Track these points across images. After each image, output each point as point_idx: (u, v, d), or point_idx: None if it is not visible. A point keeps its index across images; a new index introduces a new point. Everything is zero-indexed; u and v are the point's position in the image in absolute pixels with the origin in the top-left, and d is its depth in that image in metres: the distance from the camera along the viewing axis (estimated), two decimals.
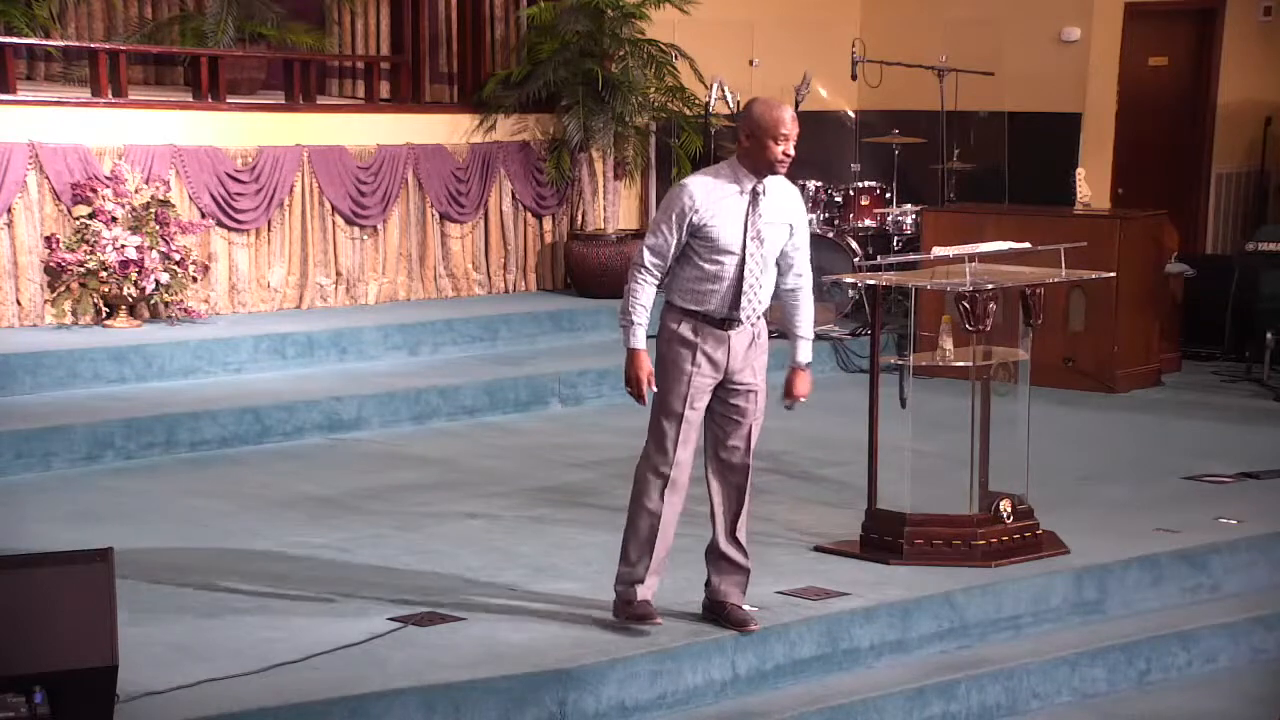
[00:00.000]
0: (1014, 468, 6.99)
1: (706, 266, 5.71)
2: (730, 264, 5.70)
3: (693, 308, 5.74)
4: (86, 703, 4.82)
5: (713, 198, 5.69)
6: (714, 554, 5.98)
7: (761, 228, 5.73)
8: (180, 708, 5.08)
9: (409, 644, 5.74)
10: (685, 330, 5.74)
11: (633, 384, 5.74)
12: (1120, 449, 9.20)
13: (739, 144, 5.78)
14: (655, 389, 5.74)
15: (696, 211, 5.67)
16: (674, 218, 5.69)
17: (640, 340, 5.73)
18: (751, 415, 5.87)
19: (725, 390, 5.81)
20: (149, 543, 7.01)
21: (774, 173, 5.74)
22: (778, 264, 5.89)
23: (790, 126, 5.69)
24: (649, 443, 5.83)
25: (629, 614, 5.84)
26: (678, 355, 5.74)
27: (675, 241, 5.71)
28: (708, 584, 6.01)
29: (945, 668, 6.26)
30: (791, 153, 5.73)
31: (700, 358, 5.73)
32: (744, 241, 5.70)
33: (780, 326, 6.05)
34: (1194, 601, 7.06)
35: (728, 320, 5.74)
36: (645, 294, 5.73)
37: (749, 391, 5.84)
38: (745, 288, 5.71)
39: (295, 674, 5.41)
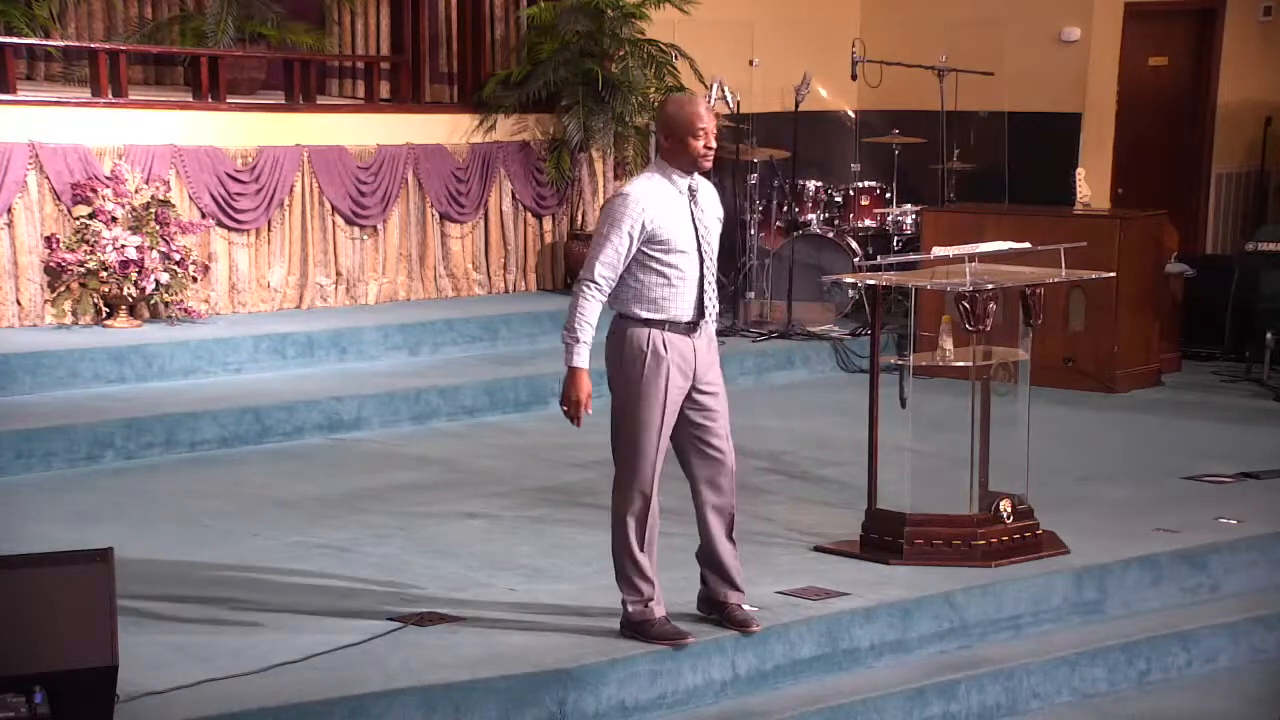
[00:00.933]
0: (1014, 468, 6.99)
1: (667, 271, 5.66)
2: (689, 264, 5.68)
3: (657, 316, 5.68)
4: (86, 703, 4.82)
5: (657, 201, 5.66)
6: (710, 559, 5.93)
7: (708, 224, 5.76)
8: (180, 708, 5.08)
9: (409, 644, 5.74)
10: (656, 343, 5.66)
11: (571, 405, 5.70)
12: (1120, 449, 9.20)
13: (659, 147, 5.76)
14: (591, 412, 5.70)
15: (647, 215, 5.62)
16: (625, 227, 5.62)
17: (584, 359, 5.66)
18: (723, 413, 5.85)
19: (694, 397, 5.76)
20: (149, 543, 7.01)
21: (699, 168, 5.72)
22: None
23: (707, 120, 5.67)
24: (625, 466, 5.74)
25: (654, 634, 5.78)
26: (651, 371, 5.67)
27: (627, 251, 5.64)
28: (705, 585, 5.99)
29: (945, 668, 6.26)
30: (713, 145, 5.70)
31: (673, 370, 5.69)
32: (697, 239, 5.70)
33: None
34: (1194, 601, 7.06)
35: (692, 324, 5.72)
36: (592, 311, 5.66)
37: (715, 392, 5.82)
38: (706, 285, 5.71)
39: (295, 674, 5.41)
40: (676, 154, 5.69)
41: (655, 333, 5.68)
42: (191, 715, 5.02)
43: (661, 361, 5.67)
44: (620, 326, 5.74)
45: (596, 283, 5.65)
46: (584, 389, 5.68)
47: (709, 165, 5.73)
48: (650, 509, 5.75)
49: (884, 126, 13.00)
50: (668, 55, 12.23)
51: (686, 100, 5.78)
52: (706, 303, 5.72)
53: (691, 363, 5.73)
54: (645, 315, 5.69)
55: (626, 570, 5.79)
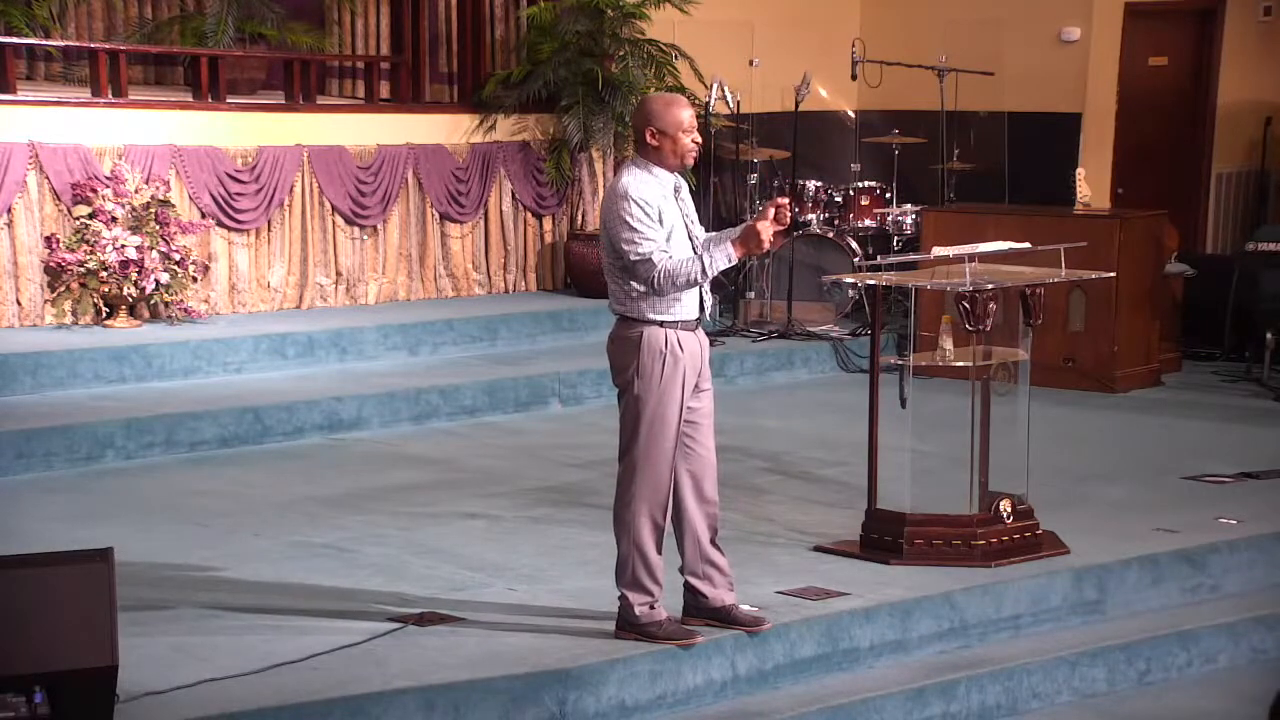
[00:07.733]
0: (1014, 468, 6.99)
1: None
2: None
3: (672, 318, 5.67)
4: (86, 703, 4.83)
5: (656, 198, 5.64)
6: (700, 566, 5.89)
7: (694, 218, 5.77)
8: (180, 708, 5.08)
9: (409, 644, 5.74)
10: (673, 343, 5.66)
11: (769, 230, 5.57)
12: (1120, 449, 9.20)
13: (644, 145, 5.68)
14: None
15: (657, 210, 5.61)
16: (648, 216, 5.57)
17: (726, 248, 5.59)
18: (711, 411, 5.86)
19: (692, 396, 5.77)
20: (149, 543, 7.01)
21: (686, 164, 5.73)
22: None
23: (692, 116, 5.69)
24: (645, 467, 5.69)
25: (662, 635, 5.78)
26: (670, 370, 5.66)
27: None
28: (700, 596, 5.93)
29: (945, 668, 6.26)
30: (699, 139, 5.73)
31: (688, 372, 5.70)
32: (689, 236, 5.71)
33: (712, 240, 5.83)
34: (1194, 601, 7.06)
35: (696, 321, 5.74)
36: (675, 261, 5.55)
37: (708, 389, 5.84)
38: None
39: (295, 674, 5.42)
40: (665, 152, 5.66)
41: (670, 333, 5.67)
42: (191, 715, 5.03)
43: (679, 360, 5.67)
44: (633, 331, 5.70)
45: (660, 254, 5.54)
46: (755, 225, 5.58)
47: (694, 162, 5.76)
48: (667, 510, 5.76)
49: (884, 126, 12.99)
50: (668, 55, 12.23)
51: (672, 99, 5.75)
52: (705, 297, 5.73)
53: (698, 360, 5.75)
54: (661, 318, 5.67)
55: (638, 573, 5.77)
